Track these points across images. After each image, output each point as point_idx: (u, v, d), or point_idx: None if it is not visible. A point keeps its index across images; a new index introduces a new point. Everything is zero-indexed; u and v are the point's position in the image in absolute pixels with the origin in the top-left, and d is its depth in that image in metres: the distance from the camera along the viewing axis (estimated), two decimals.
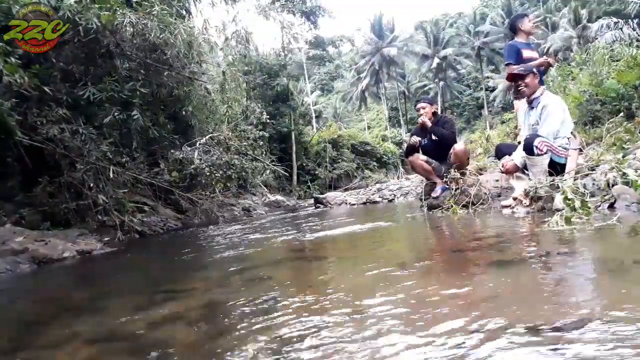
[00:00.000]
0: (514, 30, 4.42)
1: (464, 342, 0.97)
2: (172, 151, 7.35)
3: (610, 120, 4.80)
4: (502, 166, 3.45)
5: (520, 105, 4.24)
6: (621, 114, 4.93)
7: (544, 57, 4.21)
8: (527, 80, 3.24)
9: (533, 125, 3.29)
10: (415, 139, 4.52)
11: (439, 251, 2.43)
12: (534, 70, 3.33)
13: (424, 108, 4.46)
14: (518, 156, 3.32)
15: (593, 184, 2.88)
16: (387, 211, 6.07)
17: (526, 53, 4.19)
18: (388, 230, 3.71)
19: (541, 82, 3.40)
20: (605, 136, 4.09)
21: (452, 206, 3.88)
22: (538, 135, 3.11)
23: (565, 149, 3.15)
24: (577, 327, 0.96)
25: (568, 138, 3.19)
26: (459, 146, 4.28)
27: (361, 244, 3.04)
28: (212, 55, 9.37)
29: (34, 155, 5.17)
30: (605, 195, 2.70)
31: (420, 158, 4.53)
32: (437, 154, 4.43)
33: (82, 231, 4.86)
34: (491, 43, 40.39)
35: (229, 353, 1.14)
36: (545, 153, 3.07)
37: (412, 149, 4.53)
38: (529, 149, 3.10)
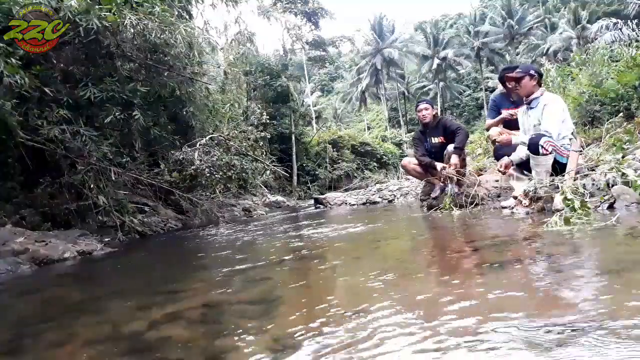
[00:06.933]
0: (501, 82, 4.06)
1: (462, 342, 0.98)
2: (172, 152, 7.34)
3: (610, 121, 4.81)
4: (500, 166, 3.45)
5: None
6: (620, 114, 4.95)
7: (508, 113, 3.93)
8: (523, 81, 3.25)
9: (535, 125, 3.26)
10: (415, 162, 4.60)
11: (436, 252, 2.43)
12: (532, 71, 3.30)
13: (426, 109, 4.48)
14: (516, 155, 3.33)
15: (592, 184, 2.88)
16: (386, 212, 6.07)
17: (505, 113, 4.01)
18: (387, 230, 3.72)
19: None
20: (604, 136, 4.10)
21: (450, 206, 3.89)
22: (543, 135, 3.09)
23: (566, 148, 3.15)
24: (577, 327, 0.96)
25: (570, 139, 3.19)
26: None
27: (360, 245, 3.04)
28: (213, 55, 9.37)
29: (35, 156, 5.18)
30: (604, 196, 2.71)
31: (412, 162, 4.64)
32: (439, 156, 4.45)
33: (82, 232, 4.86)
34: (491, 43, 40.38)
35: (229, 353, 1.14)
36: (550, 153, 3.06)
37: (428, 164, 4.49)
38: (534, 148, 3.07)
